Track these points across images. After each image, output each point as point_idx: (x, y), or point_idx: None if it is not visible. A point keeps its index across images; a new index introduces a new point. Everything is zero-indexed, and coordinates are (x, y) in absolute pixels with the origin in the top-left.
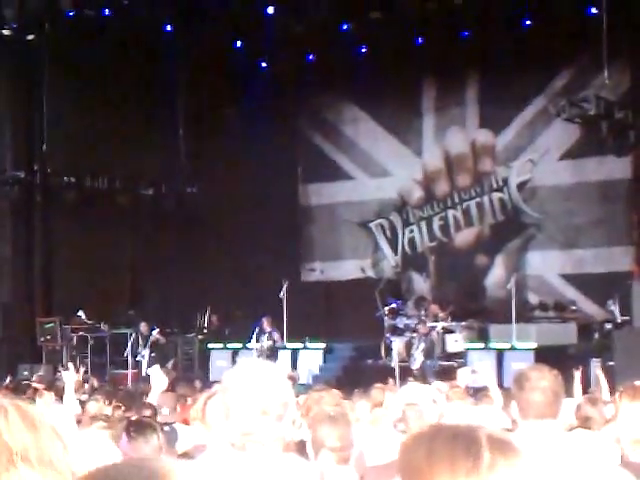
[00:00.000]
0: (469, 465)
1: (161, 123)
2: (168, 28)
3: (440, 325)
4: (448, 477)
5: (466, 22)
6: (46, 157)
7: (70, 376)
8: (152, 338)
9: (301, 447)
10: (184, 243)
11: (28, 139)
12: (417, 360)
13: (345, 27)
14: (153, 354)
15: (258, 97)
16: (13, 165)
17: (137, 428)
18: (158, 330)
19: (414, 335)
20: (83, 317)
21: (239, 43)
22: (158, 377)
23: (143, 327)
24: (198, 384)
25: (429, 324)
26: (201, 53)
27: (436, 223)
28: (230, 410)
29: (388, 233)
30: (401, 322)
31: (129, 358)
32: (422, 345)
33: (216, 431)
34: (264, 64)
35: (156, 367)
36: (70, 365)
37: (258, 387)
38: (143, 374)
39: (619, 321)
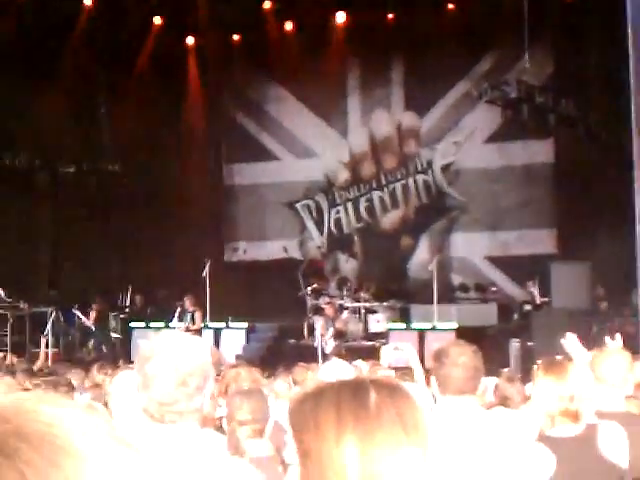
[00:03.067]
0: (355, 407)
1: (82, 100)
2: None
3: (362, 305)
4: (335, 425)
5: (391, 3)
6: None
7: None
8: (85, 321)
9: (220, 423)
10: (106, 222)
11: None
12: (329, 344)
13: (269, 5)
14: (77, 333)
15: (182, 75)
16: None
17: None
18: (95, 314)
19: (322, 318)
20: (2, 295)
21: (161, 20)
22: None
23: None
24: (120, 362)
25: (349, 304)
26: (123, 30)
27: (362, 204)
28: (148, 380)
29: (314, 214)
30: (323, 302)
31: (49, 337)
32: (331, 329)
33: (123, 404)
34: (189, 41)
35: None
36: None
37: (177, 357)
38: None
39: (538, 302)
